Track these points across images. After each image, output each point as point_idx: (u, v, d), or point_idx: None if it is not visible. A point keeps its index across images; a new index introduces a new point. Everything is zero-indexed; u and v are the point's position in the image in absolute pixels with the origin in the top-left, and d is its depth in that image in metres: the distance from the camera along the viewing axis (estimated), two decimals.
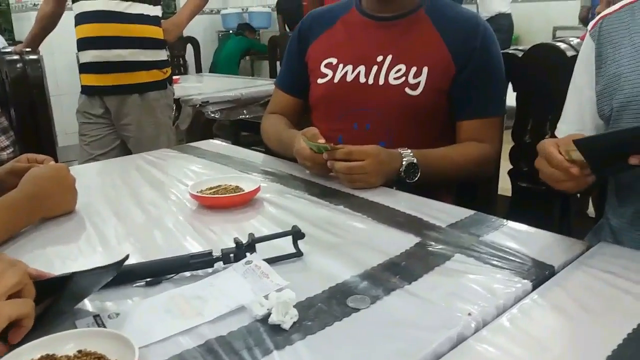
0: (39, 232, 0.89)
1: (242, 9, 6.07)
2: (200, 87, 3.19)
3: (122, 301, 0.65)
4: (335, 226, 0.88)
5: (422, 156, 1.08)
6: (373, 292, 0.66)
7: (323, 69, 1.28)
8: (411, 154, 1.07)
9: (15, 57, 2.20)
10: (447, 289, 0.67)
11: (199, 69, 4.49)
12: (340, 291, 0.67)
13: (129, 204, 1.02)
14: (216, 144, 1.53)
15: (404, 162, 1.06)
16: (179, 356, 0.55)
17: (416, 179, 1.07)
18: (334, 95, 1.26)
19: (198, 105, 2.60)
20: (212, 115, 2.67)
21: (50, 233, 0.89)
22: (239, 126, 3.37)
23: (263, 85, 3.15)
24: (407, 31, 1.23)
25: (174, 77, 2.62)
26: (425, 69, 1.18)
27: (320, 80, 1.28)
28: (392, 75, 1.21)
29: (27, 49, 2.40)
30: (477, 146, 1.19)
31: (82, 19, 2.04)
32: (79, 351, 0.53)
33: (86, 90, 2.16)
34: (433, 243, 0.80)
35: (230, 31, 5.81)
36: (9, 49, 2.59)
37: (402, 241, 0.81)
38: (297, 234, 0.78)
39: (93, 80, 2.11)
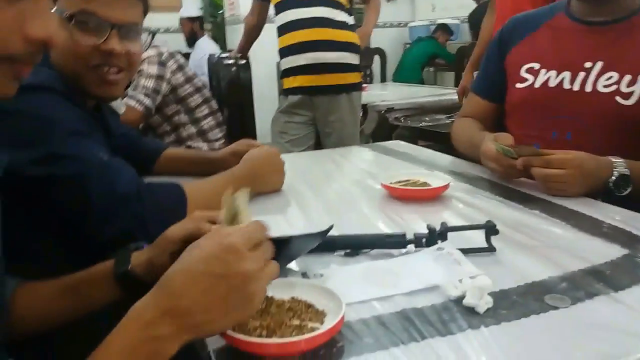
0: (253, 204, 1.02)
1: (430, 21, 6.10)
2: (385, 94, 3.29)
3: (324, 265, 0.72)
4: (530, 228, 0.86)
5: (634, 167, 0.99)
6: (573, 294, 0.63)
7: (523, 74, 1.24)
8: (624, 165, 0.98)
9: (231, 61, 2.52)
10: None
11: (383, 79, 4.62)
12: (537, 288, 0.65)
13: (326, 188, 1.11)
14: (403, 145, 1.57)
15: (615, 173, 0.98)
16: (377, 317, 0.59)
17: (626, 192, 0.98)
18: (533, 100, 1.22)
19: (383, 111, 2.68)
20: (396, 121, 2.73)
21: (262, 205, 1.02)
22: (418, 135, 3.40)
23: (447, 94, 3.13)
24: (622, 37, 1.13)
25: (363, 85, 2.73)
26: None
27: (519, 85, 1.25)
28: (601, 82, 1.12)
29: (239, 55, 2.74)
30: None
31: (297, 25, 2.22)
32: (292, 297, 0.61)
33: (297, 90, 2.30)
34: None
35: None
36: (225, 55, 2.96)
37: (606, 251, 0.75)
38: (491, 229, 0.77)
39: (306, 81, 2.26)
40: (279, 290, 0.62)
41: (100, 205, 0.81)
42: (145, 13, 0.96)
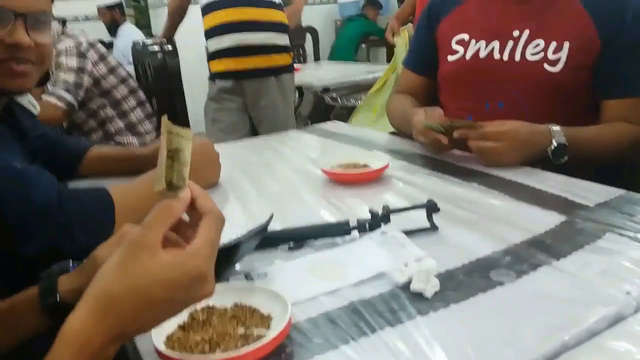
0: None
1: None
2: (320, 74, 3.26)
3: (268, 262, 0.69)
4: (470, 202, 0.86)
5: (572, 135, 1.01)
6: (517, 267, 0.64)
7: (454, 46, 1.24)
8: (562, 133, 1.00)
9: (156, 48, 2.40)
10: (599, 267, 0.62)
11: (317, 58, 4.58)
12: (482, 265, 0.65)
13: (266, 179, 1.08)
14: (341, 125, 1.55)
15: (554, 142, 1.00)
16: (325, 314, 0.57)
17: (564, 160, 1.00)
18: (464, 72, 1.22)
19: (319, 92, 2.66)
20: (332, 101, 2.71)
21: None
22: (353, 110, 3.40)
23: (380, 71, 3.13)
24: (546, 4, 1.15)
25: (295, 66, 2.68)
26: (566, 44, 1.10)
27: (450, 57, 1.25)
28: (529, 50, 1.14)
29: (164, 40, 2.62)
30: (630, 128, 1.08)
31: (220, 4, 2.12)
32: (235, 304, 0.57)
33: (224, 75, 2.22)
34: (580, 221, 0.75)
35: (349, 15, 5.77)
36: (149, 41, 2.82)
37: (545, 219, 0.77)
38: (432, 208, 0.77)
39: (232, 64, 2.18)
40: (221, 297, 0.58)
41: (17, 219, 0.74)
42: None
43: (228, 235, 0.72)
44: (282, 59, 2.22)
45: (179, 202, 0.47)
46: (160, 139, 0.48)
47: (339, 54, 5.08)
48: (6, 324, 0.62)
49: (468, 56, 1.21)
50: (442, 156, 1.11)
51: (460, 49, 1.23)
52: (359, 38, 5.31)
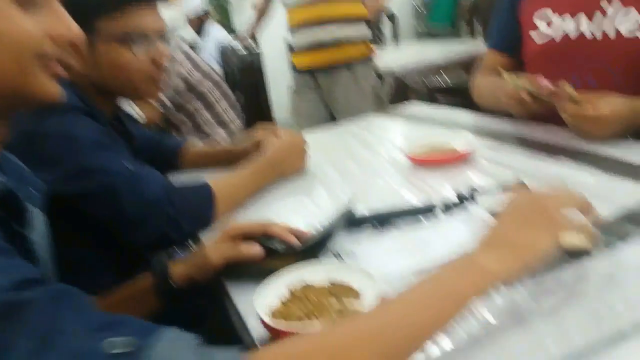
0: (278, 188, 1.03)
1: None
2: (399, 57, 3.23)
3: (355, 242, 0.73)
4: (560, 179, 0.84)
5: None
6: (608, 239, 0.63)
7: (536, 22, 1.19)
8: None
9: (244, 52, 2.52)
10: None
11: (396, 39, 4.50)
12: None
13: (349, 164, 1.11)
14: (420, 105, 1.55)
15: None
16: None
17: None
18: (550, 51, 1.16)
19: (399, 76, 2.64)
20: (413, 84, 2.69)
21: (288, 189, 1.03)
22: (435, 90, 3.32)
23: (462, 48, 3.06)
24: None
25: (372, 52, 2.67)
26: None
27: (533, 34, 1.20)
28: (621, 22, 1.07)
29: (249, 37, 2.73)
30: None
31: (299, 2, 2.20)
32: (330, 281, 0.62)
33: (301, 70, 2.32)
34: None
35: None
36: (236, 43, 2.93)
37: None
38: (520, 187, 0.77)
39: (307, 60, 2.27)
40: (316, 275, 0.63)
41: (132, 212, 0.84)
42: None
43: (317, 218, 0.78)
44: (355, 50, 2.24)
45: None
46: None
47: (435, 14, 4.45)
48: (128, 308, 0.72)
49: (553, 33, 1.16)
50: (533, 133, 1.08)
51: (544, 24, 1.18)
52: None
